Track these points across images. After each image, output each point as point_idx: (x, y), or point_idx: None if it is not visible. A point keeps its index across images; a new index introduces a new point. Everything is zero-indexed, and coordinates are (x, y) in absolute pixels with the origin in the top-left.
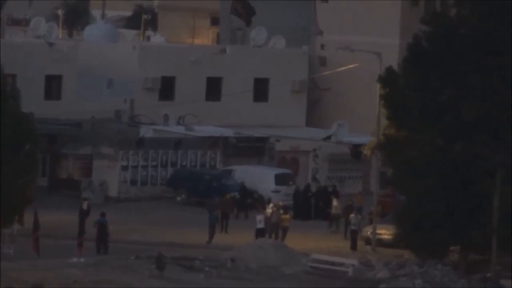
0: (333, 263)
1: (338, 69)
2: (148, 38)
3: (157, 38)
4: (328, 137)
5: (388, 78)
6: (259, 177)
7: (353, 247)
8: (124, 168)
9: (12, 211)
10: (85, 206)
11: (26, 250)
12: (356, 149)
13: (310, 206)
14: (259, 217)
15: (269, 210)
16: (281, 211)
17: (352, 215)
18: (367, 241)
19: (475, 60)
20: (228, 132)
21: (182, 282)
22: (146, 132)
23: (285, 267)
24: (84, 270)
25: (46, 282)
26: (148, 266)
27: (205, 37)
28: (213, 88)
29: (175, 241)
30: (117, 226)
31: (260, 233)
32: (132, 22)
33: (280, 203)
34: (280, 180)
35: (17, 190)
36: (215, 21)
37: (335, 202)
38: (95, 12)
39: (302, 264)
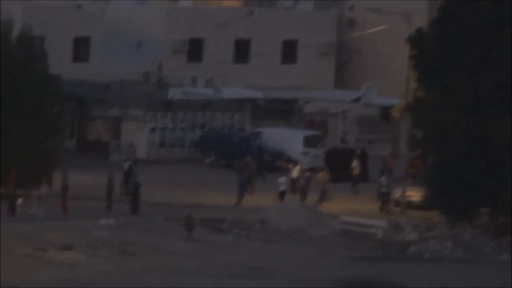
0: (362, 225)
1: (367, 31)
2: None
3: (185, 0)
4: (357, 100)
5: (417, 40)
6: (288, 139)
7: (383, 209)
8: (153, 130)
9: (40, 173)
10: (126, 167)
11: (55, 211)
12: (385, 111)
13: (343, 167)
14: (281, 179)
15: (295, 173)
16: (323, 173)
17: (383, 178)
18: (397, 203)
19: (502, 21)
20: (257, 94)
21: (211, 244)
22: (174, 94)
23: (314, 229)
24: (113, 232)
25: (75, 244)
26: (177, 227)
27: None
28: (242, 50)
29: (203, 202)
30: (145, 188)
31: (282, 195)
32: None
33: (304, 166)
34: (308, 142)
35: (45, 152)
36: None
37: (355, 163)
38: None
39: (331, 226)
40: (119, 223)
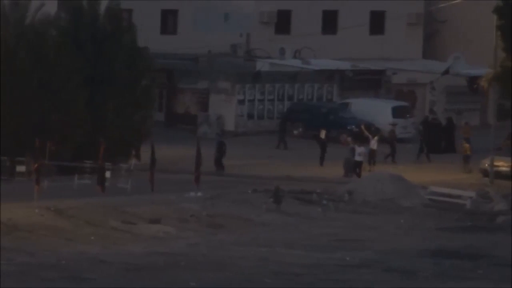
0: (450, 196)
1: (455, 1)
2: None
3: None
4: (446, 72)
5: (505, 9)
6: (376, 110)
7: None
8: (241, 102)
9: (128, 146)
10: (322, 135)
11: (143, 184)
12: (473, 81)
13: (439, 138)
14: (359, 150)
15: (374, 143)
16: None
17: None
18: (485, 174)
19: None
20: (345, 65)
21: (300, 216)
22: (262, 66)
23: (403, 200)
24: (201, 204)
25: (164, 217)
26: (266, 199)
27: None
28: (329, 21)
29: (292, 174)
30: (233, 160)
31: (358, 166)
32: None
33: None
34: (397, 112)
35: (133, 125)
36: None
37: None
38: None
39: (420, 197)
40: (207, 195)
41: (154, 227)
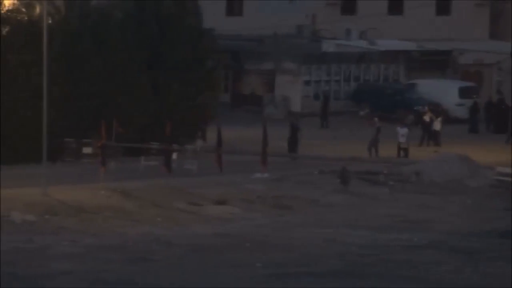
0: None
1: None
2: None
3: None
4: None
5: None
6: (443, 90)
7: None
8: (307, 83)
9: (194, 127)
10: (427, 118)
11: (209, 166)
12: None
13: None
14: (402, 131)
15: (437, 124)
16: None
17: None
18: None
19: None
20: (411, 46)
21: (366, 196)
22: (328, 46)
23: (470, 180)
24: (267, 185)
25: (229, 198)
26: (332, 180)
27: None
28: (396, 2)
29: (358, 155)
30: (300, 141)
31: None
32: None
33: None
34: (464, 93)
35: (199, 107)
36: None
37: None
38: None
39: (487, 177)
40: (273, 177)
41: (219, 208)
